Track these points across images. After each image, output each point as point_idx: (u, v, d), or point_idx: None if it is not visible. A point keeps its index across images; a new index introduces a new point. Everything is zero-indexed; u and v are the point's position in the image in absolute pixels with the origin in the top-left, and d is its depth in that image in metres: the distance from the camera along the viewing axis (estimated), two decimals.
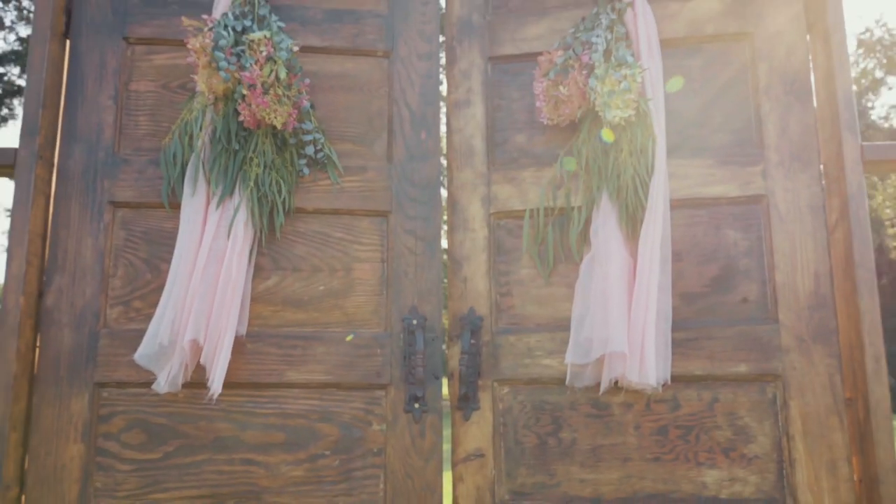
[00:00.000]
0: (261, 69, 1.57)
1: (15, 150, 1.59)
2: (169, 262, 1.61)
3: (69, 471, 1.52)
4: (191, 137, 1.63)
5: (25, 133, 1.59)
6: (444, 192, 1.83)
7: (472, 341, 1.65)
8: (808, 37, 1.70)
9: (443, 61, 1.85)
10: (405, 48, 1.77)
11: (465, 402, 1.64)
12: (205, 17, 1.64)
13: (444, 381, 1.75)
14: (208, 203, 1.61)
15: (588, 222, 1.67)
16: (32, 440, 1.53)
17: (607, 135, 1.61)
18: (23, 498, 1.52)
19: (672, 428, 1.60)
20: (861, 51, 23.87)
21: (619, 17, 1.70)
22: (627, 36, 1.70)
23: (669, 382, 1.57)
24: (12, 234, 1.54)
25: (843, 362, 1.56)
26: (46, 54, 1.62)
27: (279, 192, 1.63)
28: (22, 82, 20.98)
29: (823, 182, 1.64)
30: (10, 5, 21.50)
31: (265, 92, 1.57)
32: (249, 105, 1.57)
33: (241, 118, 1.60)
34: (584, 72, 1.64)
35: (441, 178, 1.76)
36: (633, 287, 1.58)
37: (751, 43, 1.70)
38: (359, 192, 1.70)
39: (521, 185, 1.73)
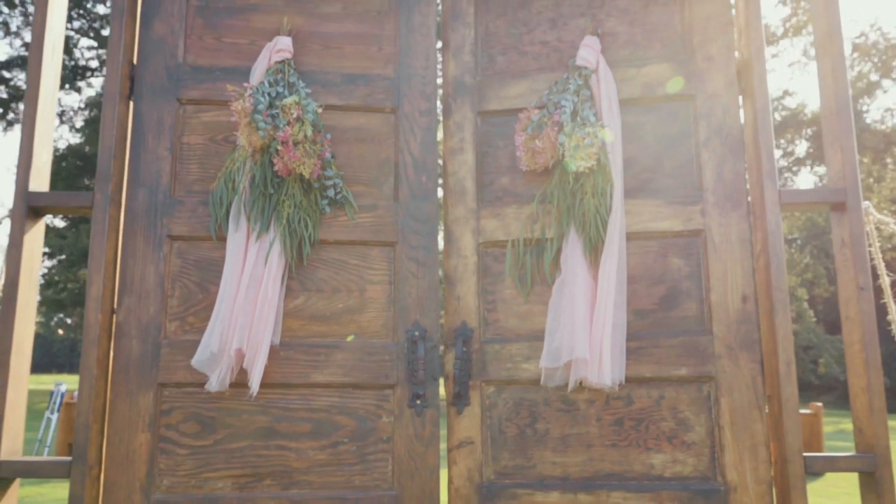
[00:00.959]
0: (292, 128, 1.93)
1: (92, 194, 1.95)
2: (217, 285, 1.97)
3: (139, 454, 1.89)
4: (234, 183, 1.99)
5: (100, 180, 1.95)
6: (441, 226, 2.19)
7: (464, 349, 2.02)
8: (740, 98, 2.07)
9: (440, 115, 2.21)
10: (409, 105, 2.13)
11: (459, 400, 2.01)
12: (245, 84, 2.01)
13: (441, 382, 2.11)
14: (248, 237, 1.97)
15: (559, 251, 2.03)
16: (109, 430, 1.90)
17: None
18: (101, 476, 1.88)
19: (626, 420, 1.96)
20: (856, 55, 24.22)
21: (585, 82, 2.07)
22: (592, 97, 2.06)
23: (624, 383, 1.93)
24: (91, 263, 1.90)
25: (763, 366, 1.92)
26: (115, 114, 1.99)
27: (306, 227, 1.99)
28: None
29: (750, 219, 2.00)
30: (16, 11, 21.84)
31: (295, 147, 1.93)
32: (282, 158, 1.94)
33: (275, 168, 1.97)
34: (556, 129, 2.00)
35: (438, 213, 2.12)
36: (594, 305, 1.94)
37: (694, 103, 2.06)
38: (371, 226, 2.06)
39: (505, 219, 2.09)
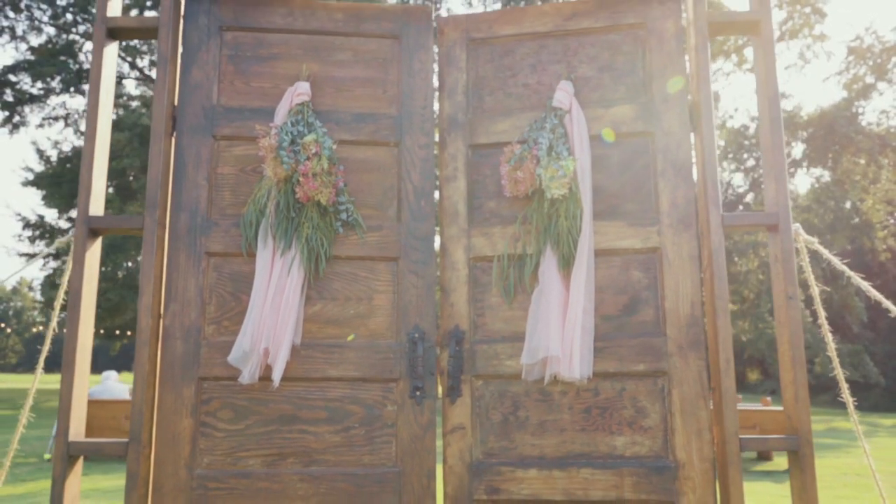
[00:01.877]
0: (311, 163, 2.29)
1: (142, 217, 2.31)
2: (247, 294, 2.33)
3: (183, 437, 2.25)
4: (261, 207, 2.35)
5: (149, 205, 2.31)
6: (437, 243, 2.55)
7: (457, 348, 2.38)
8: (692, 135, 2.42)
9: (436, 148, 2.57)
10: (410, 140, 2.49)
11: (452, 392, 2.36)
12: (271, 124, 2.37)
13: (437, 377, 2.47)
14: (274, 253, 2.33)
15: (537, 266, 2.39)
16: (158, 416, 2.26)
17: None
18: (152, 455, 2.24)
19: (593, 408, 2.32)
20: (852, 58, 24.56)
21: (560, 121, 2.43)
22: (566, 134, 2.42)
23: (591, 377, 2.29)
24: (142, 276, 2.27)
25: (708, 363, 2.28)
26: (161, 150, 2.35)
27: (322, 245, 2.35)
28: (34, 91, 21.75)
29: (699, 238, 2.36)
30: (22, 16, 22.20)
31: (314, 178, 2.29)
32: (303, 187, 2.30)
33: (297, 195, 2.33)
34: (534, 161, 2.36)
35: (435, 232, 2.48)
36: (567, 311, 2.30)
37: (652, 139, 2.42)
38: (377, 244, 2.42)
39: (492, 238, 2.45)
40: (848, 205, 24.87)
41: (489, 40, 2.57)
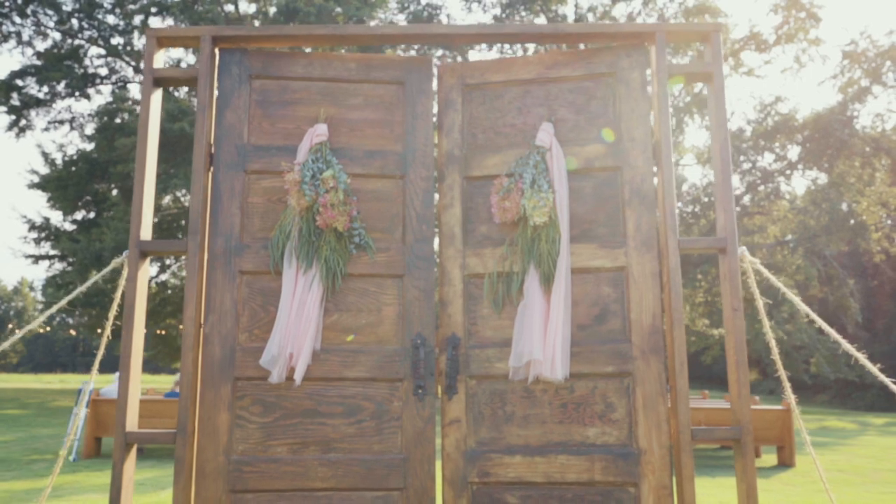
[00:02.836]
0: (329, 195, 2.70)
1: (186, 240, 2.71)
2: (275, 306, 2.74)
3: (221, 428, 2.65)
4: (287, 233, 2.76)
5: (192, 232, 2.71)
6: (436, 262, 2.95)
7: (454, 352, 2.78)
8: (655, 169, 2.83)
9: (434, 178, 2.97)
10: (413, 173, 2.89)
11: (449, 389, 2.77)
12: (295, 162, 2.77)
13: (437, 377, 2.86)
14: (297, 272, 2.74)
15: (522, 282, 2.79)
16: (200, 410, 2.66)
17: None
18: (195, 443, 2.65)
19: (570, 404, 2.72)
20: (847, 62, 24.90)
21: (542, 158, 2.83)
22: (547, 169, 2.82)
23: (569, 377, 2.69)
24: (186, 291, 2.67)
25: (666, 366, 2.68)
26: (201, 184, 2.75)
27: (338, 265, 2.76)
28: (40, 95, 22.12)
29: (659, 259, 2.76)
30: (28, 21, 22.57)
31: (332, 208, 2.70)
32: (322, 216, 2.70)
33: (317, 222, 2.73)
34: (519, 193, 2.76)
35: (435, 253, 2.87)
36: (547, 321, 2.70)
37: (620, 173, 2.83)
38: (385, 263, 2.82)
39: (483, 258, 2.85)
40: (844, 207, 25.15)
41: (482, 86, 2.98)
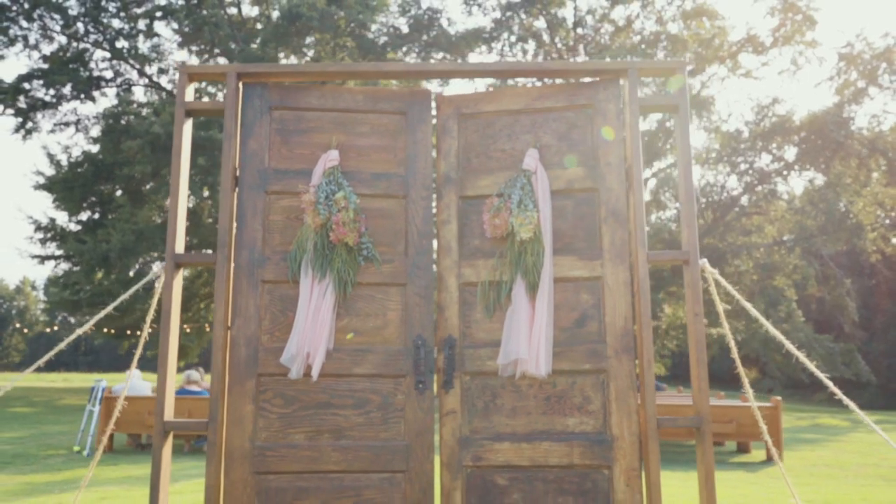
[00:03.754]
0: (341, 214, 3.08)
1: (215, 254, 3.09)
2: (293, 312, 3.12)
3: (247, 418, 3.03)
4: (303, 247, 3.13)
5: (220, 246, 3.09)
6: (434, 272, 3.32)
7: (450, 352, 3.15)
8: (628, 190, 3.20)
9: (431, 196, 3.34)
10: (414, 193, 3.27)
11: (446, 384, 3.14)
12: (310, 185, 3.15)
13: (436, 373, 3.23)
14: (313, 281, 3.11)
15: (511, 290, 3.16)
16: (228, 402, 3.04)
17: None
18: (224, 432, 3.03)
19: (552, 397, 3.10)
20: (843, 64, 25.19)
21: (528, 180, 3.20)
22: (532, 190, 3.19)
23: (551, 373, 3.06)
24: (216, 298, 3.05)
25: (636, 364, 3.06)
26: (228, 204, 3.13)
27: (349, 275, 3.13)
28: (46, 98, 22.47)
29: (631, 269, 3.13)
30: (35, 25, 22.92)
31: (343, 225, 3.07)
32: (335, 232, 3.08)
33: (330, 238, 3.11)
34: (508, 212, 3.14)
35: (433, 264, 3.25)
36: (532, 324, 3.08)
37: (598, 194, 3.20)
38: (390, 273, 3.20)
39: (477, 268, 3.23)
40: (841, 207, 25.40)
41: (475, 115, 3.35)
